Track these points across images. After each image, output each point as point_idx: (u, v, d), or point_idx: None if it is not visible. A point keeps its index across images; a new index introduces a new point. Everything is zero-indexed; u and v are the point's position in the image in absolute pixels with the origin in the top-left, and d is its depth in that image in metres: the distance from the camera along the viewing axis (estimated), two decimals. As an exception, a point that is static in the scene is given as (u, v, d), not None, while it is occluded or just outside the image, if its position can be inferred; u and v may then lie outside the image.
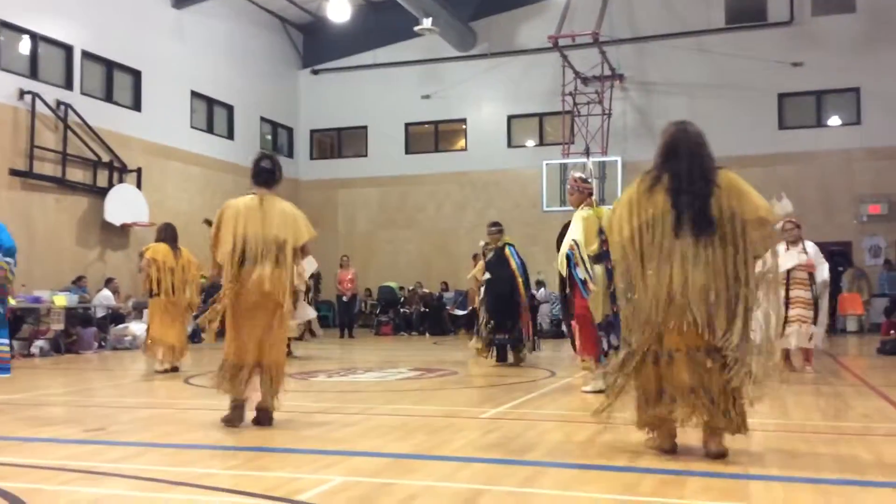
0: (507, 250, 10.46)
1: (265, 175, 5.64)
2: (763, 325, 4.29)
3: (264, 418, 5.46)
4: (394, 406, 6.66)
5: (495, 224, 10.77)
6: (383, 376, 9.12)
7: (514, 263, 10.35)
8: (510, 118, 21.76)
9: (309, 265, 12.54)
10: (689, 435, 4.39)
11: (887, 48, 18.68)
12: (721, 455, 4.18)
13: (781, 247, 8.94)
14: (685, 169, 4.32)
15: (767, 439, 4.88)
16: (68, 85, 16.04)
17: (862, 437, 4.94)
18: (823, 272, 8.81)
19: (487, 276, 10.56)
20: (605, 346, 6.73)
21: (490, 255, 10.61)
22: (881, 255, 18.61)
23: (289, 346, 11.88)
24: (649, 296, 4.26)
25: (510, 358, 10.30)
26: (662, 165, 4.41)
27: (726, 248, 4.20)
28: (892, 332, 12.74)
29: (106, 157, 16.52)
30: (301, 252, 5.62)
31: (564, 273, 7.12)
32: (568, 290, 7.22)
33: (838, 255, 17.57)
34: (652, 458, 4.27)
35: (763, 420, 5.70)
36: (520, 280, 10.27)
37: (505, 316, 10.20)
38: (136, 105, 17.75)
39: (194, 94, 19.50)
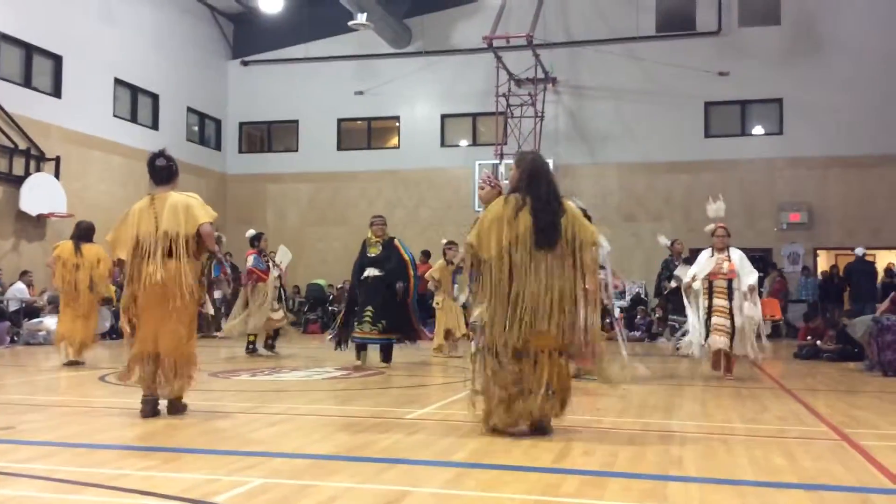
0: (396, 241, 10.17)
1: (163, 173, 5.87)
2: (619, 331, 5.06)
3: (173, 408, 5.68)
4: (317, 406, 6.56)
5: (380, 216, 10.46)
6: (308, 375, 8.99)
7: (407, 256, 10.09)
8: (444, 117, 21.76)
9: (284, 256, 12.27)
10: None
11: (810, 61, 19.34)
12: (548, 433, 4.88)
13: (706, 252, 9.05)
14: (545, 192, 5.03)
15: (686, 441, 4.96)
16: (-16, 68, 15.41)
17: (777, 440, 5.07)
18: (751, 278, 8.68)
19: (375, 272, 9.93)
20: None
21: (376, 249, 10.08)
22: (800, 261, 19.26)
23: (254, 342, 11.82)
24: (520, 304, 4.84)
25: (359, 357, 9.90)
26: (526, 189, 5.05)
27: (573, 264, 4.96)
28: (809, 337, 13.18)
29: (23, 145, 15.90)
30: (200, 235, 5.67)
31: None
32: None
33: (759, 260, 18.09)
34: (574, 459, 4.30)
35: (682, 422, 5.82)
36: (411, 274, 10.04)
37: (397, 314, 9.88)
38: (57, 91, 17.10)
39: (118, 82, 18.87)
